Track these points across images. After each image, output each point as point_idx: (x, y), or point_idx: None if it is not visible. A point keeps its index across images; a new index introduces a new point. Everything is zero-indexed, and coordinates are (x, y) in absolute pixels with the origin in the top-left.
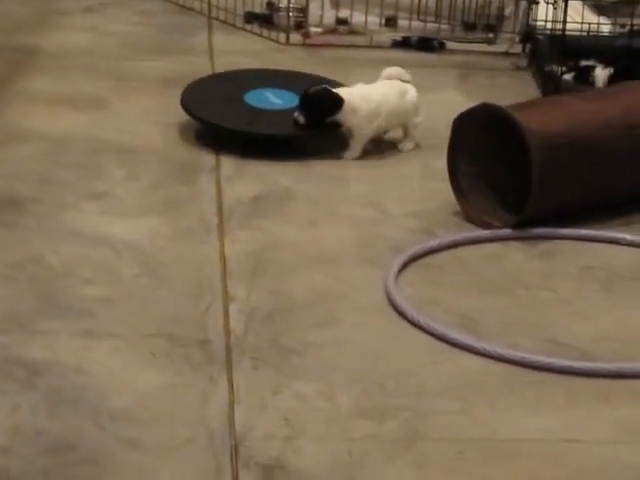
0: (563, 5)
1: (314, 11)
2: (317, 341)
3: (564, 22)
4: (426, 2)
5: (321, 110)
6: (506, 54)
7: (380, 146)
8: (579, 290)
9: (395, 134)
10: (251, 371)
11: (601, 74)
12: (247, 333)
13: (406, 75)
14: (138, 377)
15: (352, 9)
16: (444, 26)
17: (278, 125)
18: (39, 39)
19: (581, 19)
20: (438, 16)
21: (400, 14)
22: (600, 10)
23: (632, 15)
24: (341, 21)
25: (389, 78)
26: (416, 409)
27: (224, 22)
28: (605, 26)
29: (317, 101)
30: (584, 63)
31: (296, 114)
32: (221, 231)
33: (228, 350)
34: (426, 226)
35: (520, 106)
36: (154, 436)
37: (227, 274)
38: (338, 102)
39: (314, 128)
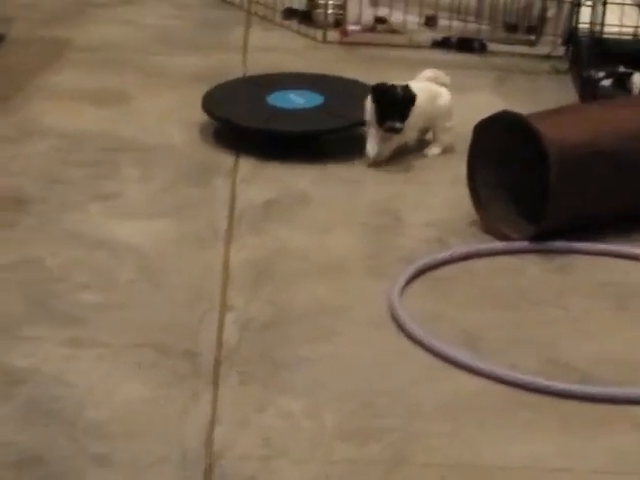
0: (602, 8)
1: (352, 9)
2: (310, 356)
3: (602, 25)
4: (467, 1)
5: (409, 110)
6: (548, 57)
7: (405, 150)
8: (591, 308)
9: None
10: (237, 386)
11: (638, 81)
12: (239, 345)
13: (444, 78)
14: (119, 389)
15: (391, 7)
16: (485, 27)
17: (296, 123)
18: (71, 32)
19: (629, 22)
20: (479, 16)
21: (440, 13)
22: None
23: None
24: (380, 19)
25: (428, 80)
26: (404, 430)
27: (263, 18)
28: None
29: (407, 101)
30: (622, 69)
31: (390, 123)
32: (229, 236)
33: (217, 363)
34: (442, 236)
35: (542, 114)
36: (126, 453)
37: (228, 282)
38: (414, 98)
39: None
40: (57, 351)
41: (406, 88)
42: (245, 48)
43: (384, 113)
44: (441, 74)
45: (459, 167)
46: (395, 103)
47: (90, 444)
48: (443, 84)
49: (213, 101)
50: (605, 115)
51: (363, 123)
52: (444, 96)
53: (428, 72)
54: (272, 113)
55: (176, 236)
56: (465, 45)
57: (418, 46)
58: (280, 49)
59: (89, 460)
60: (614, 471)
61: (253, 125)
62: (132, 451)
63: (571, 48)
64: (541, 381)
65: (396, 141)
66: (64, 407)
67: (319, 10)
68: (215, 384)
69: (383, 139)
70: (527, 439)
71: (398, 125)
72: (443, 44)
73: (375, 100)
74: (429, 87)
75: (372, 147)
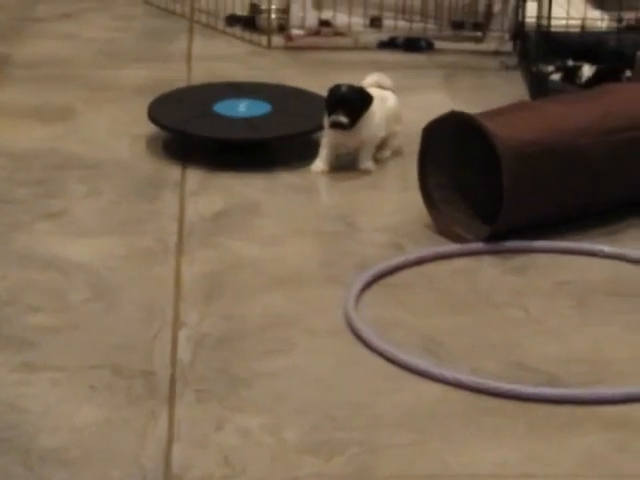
0: (548, 1)
1: (296, 13)
2: (268, 370)
3: (548, 18)
4: (412, 1)
5: (358, 108)
6: (496, 53)
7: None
8: (551, 308)
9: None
10: (195, 404)
11: (586, 73)
12: (194, 362)
13: (386, 81)
14: (74, 413)
15: (335, 10)
16: (431, 25)
17: (244, 131)
18: (10, 48)
19: (576, 14)
20: (424, 15)
21: (385, 14)
22: (602, 4)
23: (619, 8)
24: (324, 22)
25: (369, 86)
26: (367, 443)
27: (206, 25)
28: (601, 22)
29: (355, 98)
30: (571, 62)
31: (333, 117)
32: (179, 251)
33: (172, 382)
34: (396, 240)
35: (492, 113)
36: (83, 479)
37: (181, 298)
38: (370, 99)
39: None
40: (10, 377)
41: (356, 87)
42: (189, 57)
43: (329, 110)
44: (383, 78)
45: (411, 170)
46: (338, 99)
47: (47, 472)
48: (387, 88)
49: (159, 110)
50: (556, 111)
51: (312, 131)
52: (390, 100)
53: (369, 79)
54: (219, 121)
55: (126, 253)
56: (412, 45)
57: (364, 48)
58: (225, 56)
59: None
60: (585, 474)
61: (200, 133)
62: (90, 477)
63: (519, 43)
64: (503, 385)
65: (369, 144)
66: (19, 435)
67: (262, 15)
68: (171, 404)
69: (338, 143)
70: (494, 445)
71: (342, 119)
72: (389, 45)
73: (325, 101)
74: (375, 92)
75: (317, 165)
